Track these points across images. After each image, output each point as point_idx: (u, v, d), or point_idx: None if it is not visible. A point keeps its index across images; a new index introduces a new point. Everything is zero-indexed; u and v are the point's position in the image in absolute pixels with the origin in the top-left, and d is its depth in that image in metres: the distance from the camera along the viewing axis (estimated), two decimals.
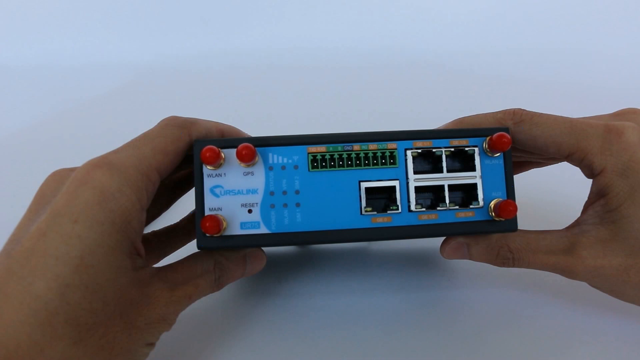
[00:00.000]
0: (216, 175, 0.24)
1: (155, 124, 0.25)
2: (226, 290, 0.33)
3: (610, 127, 0.25)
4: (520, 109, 0.27)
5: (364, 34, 0.77)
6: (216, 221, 0.22)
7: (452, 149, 0.25)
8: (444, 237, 0.28)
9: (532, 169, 0.34)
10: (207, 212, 0.24)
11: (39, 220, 0.21)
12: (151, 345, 0.23)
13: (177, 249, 0.31)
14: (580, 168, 0.27)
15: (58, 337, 0.19)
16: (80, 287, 0.20)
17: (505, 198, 0.25)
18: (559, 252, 0.26)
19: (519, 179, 0.34)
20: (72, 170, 0.23)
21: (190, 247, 0.30)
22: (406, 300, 0.33)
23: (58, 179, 0.23)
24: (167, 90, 0.66)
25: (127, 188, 0.22)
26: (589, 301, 0.32)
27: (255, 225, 0.24)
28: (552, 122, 0.26)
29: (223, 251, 0.26)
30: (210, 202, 0.24)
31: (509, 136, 0.24)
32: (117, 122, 0.56)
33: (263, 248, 0.28)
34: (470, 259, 0.27)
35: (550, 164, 0.33)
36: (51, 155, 0.49)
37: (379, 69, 0.71)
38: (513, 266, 0.27)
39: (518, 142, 0.27)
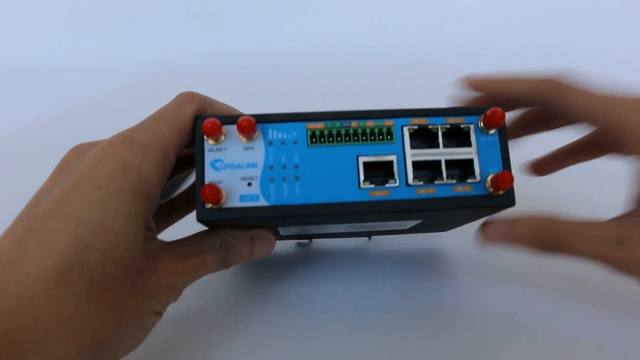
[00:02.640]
0: (217, 149, 0.24)
1: None
2: (226, 290, 0.33)
3: None
4: (557, 79, 0.26)
5: (364, 34, 0.77)
6: (216, 189, 0.22)
7: (448, 126, 0.25)
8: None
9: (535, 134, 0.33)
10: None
11: (61, 185, 0.21)
12: (159, 314, 0.24)
13: (177, 220, 0.31)
14: (614, 148, 0.26)
15: (71, 294, 0.20)
16: (98, 249, 0.20)
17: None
18: (610, 242, 0.24)
19: (538, 181, 0.34)
20: (92, 145, 0.24)
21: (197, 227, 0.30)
22: (406, 300, 0.33)
23: (79, 153, 0.24)
24: (167, 90, 0.65)
25: (147, 163, 0.22)
26: (591, 302, 0.32)
27: (255, 198, 0.24)
28: (588, 96, 0.25)
29: (229, 230, 0.26)
30: (210, 175, 0.24)
31: (502, 111, 0.24)
32: (117, 122, 0.56)
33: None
34: (512, 242, 0.26)
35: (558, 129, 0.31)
36: (51, 155, 0.49)
37: (379, 68, 0.71)
38: (558, 253, 0.25)
39: (548, 111, 0.27)
